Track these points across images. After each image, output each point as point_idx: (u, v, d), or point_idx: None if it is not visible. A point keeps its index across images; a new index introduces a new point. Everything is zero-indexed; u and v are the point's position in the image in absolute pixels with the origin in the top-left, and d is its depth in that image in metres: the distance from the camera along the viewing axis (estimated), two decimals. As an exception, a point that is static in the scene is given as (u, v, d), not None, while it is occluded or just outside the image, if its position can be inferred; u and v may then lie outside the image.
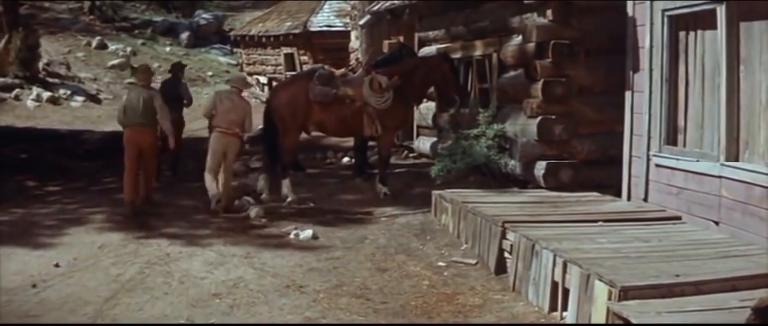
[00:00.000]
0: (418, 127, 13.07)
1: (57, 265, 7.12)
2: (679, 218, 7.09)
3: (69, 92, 22.26)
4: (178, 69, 12.61)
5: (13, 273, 6.89)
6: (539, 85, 8.87)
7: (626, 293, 4.96)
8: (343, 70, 11.10)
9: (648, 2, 7.51)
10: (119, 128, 9.96)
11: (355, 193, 10.60)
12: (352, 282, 6.72)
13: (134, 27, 31.33)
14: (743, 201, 6.18)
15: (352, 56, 18.02)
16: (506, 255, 6.87)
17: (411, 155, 13.40)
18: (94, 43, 27.54)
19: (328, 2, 23.10)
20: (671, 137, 7.34)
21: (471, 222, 7.68)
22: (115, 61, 26.32)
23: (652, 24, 7.46)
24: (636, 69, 7.82)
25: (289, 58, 23.29)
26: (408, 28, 13.65)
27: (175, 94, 11.75)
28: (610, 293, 5.04)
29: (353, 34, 18.81)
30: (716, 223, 6.57)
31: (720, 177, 6.46)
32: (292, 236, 8.21)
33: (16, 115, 19.79)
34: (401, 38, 13.56)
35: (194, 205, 9.69)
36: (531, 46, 9.04)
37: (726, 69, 6.39)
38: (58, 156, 14.54)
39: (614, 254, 5.88)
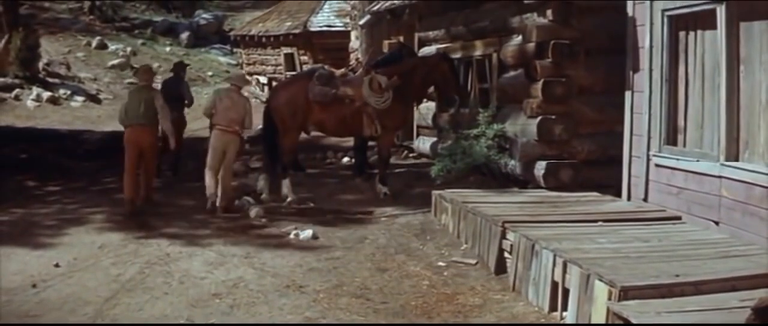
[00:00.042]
0: (418, 127, 13.07)
1: (57, 265, 7.13)
2: (679, 218, 7.09)
3: (69, 92, 22.27)
4: (180, 68, 12.62)
5: (13, 273, 6.89)
6: (539, 85, 8.87)
7: (626, 293, 4.96)
8: (343, 70, 11.10)
9: (648, 2, 7.51)
10: (119, 128, 9.97)
11: (355, 193, 10.60)
12: (352, 282, 6.72)
13: (134, 27, 31.35)
14: (743, 201, 6.18)
15: (352, 56, 18.01)
16: (506, 255, 6.87)
17: (411, 155, 13.40)
18: (94, 43, 27.56)
19: (328, 2, 23.09)
20: (671, 137, 7.34)
21: (471, 222, 7.68)
22: (115, 61, 26.33)
23: (652, 24, 7.46)
24: (636, 69, 7.82)
25: (289, 58, 23.28)
26: (408, 28, 13.65)
27: (177, 93, 11.76)
28: (610, 293, 5.04)
29: (353, 34, 18.81)
30: (716, 223, 6.57)
31: (720, 177, 6.46)
32: (292, 236, 8.21)
33: (16, 115, 19.80)
34: (401, 38, 13.56)
35: (194, 205, 9.68)
36: (531, 46, 9.04)
37: (726, 69, 6.39)
38: (58, 156, 14.54)
39: (614, 254, 5.88)
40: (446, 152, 10.38)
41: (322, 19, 22.53)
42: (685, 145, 7.18)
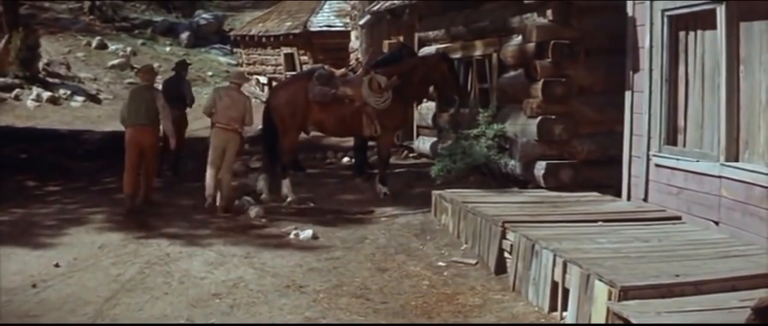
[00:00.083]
0: (418, 127, 13.07)
1: (57, 265, 7.12)
2: (679, 218, 7.09)
3: (69, 92, 22.27)
4: (181, 67, 12.62)
5: (13, 273, 6.89)
6: (539, 85, 8.87)
7: (626, 293, 4.96)
8: (343, 70, 11.10)
9: (648, 2, 7.51)
10: (120, 128, 9.97)
11: (355, 193, 10.60)
12: (352, 282, 6.72)
13: (134, 27, 31.35)
14: (743, 201, 6.18)
15: (352, 56, 18.01)
16: (506, 255, 6.87)
17: (411, 155, 13.40)
18: (94, 43, 27.57)
19: (328, 2, 23.09)
20: (671, 137, 7.34)
21: (471, 222, 7.68)
22: (115, 61, 26.34)
23: (652, 24, 7.46)
24: (636, 69, 7.82)
25: (289, 58, 23.28)
26: (408, 28, 13.65)
27: (179, 92, 11.76)
28: (610, 293, 5.04)
29: (353, 34, 18.81)
30: (716, 223, 6.57)
31: (720, 177, 6.46)
32: (292, 236, 8.21)
33: (16, 115, 19.81)
34: (401, 38, 13.57)
35: (194, 205, 9.68)
36: (531, 46, 9.04)
37: (726, 69, 6.39)
38: (58, 156, 14.54)
39: (614, 254, 5.88)
40: (446, 152, 10.38)
41: (322, 19, 22.53)
42: (685, 145, 7.18)
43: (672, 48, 7.24)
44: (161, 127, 9.83)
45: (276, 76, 23.30)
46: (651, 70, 7.51)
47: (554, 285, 5.82)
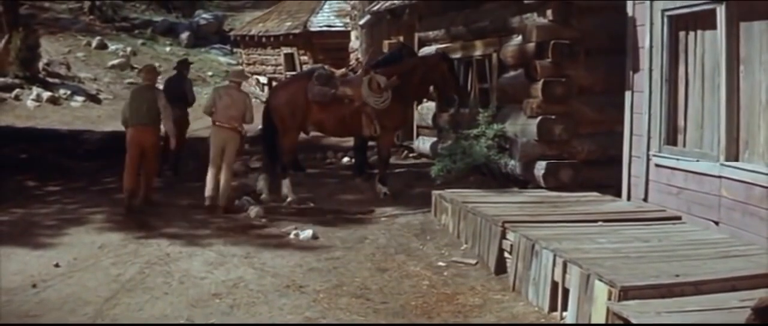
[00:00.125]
0: (418, 127, 13.07)
1: (57, 265, 7.12)
2: (679, 218, 7.09)
3: (69, 92, 22.27)
4: (183, 66, 12.62)
5: (13, 273, 6.89)
6: (539, 85, 8.87)
7: (626, 293, 4.96)
8: (343, 70, 11.10)
9: (648, 2, 7.51)
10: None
11: (355, 193, 10.60)
12: (352, 282, 6.72)
13: (134, 27, 31.36)
14: (743, 201, 6.18)
15: (352, 56, 18.01)
16: (506, 255, 6.87)
17: (411, 155, 13.40)
18: (94, 43, 27.57)
19: (328, 2, 23.07)
20: (671, 137, 7.34)
21: (471, 222, 7.68)
22: (115, 61, 26.34)
23: (652, 24, 7.46)
24: (636, 69, 7.82)
25: (289, 58, 23.27)
26: (408, 28, 13.65)
27: (180, 91, 11.76)
28: (610, 293, 5.04)
29: (353, 34, 18.81)
30: (716, 223, 6.57)
31: (720, 177, 6.46)
32: (292, 236, 8.21)
33: (16, 115, 19.80)
34: (401, 38, 13.56)
35: (194, 205, 9.68)
36: (531, 46, 9.04)
37: (726, 69, 6.39)
38: (58, 156, 14.54)
39: (614, 254, 5.88)
40: (446, 152, 10.38)
41: (322, 19, 22.52)
42: (685, 145, 7.18)
43: (672, 48, 7.24)
44: (162, 127, 9.82)
45: (276, 76, 23.30)
46: (651, 70, 7.51)
47: (554, 285, 5.82)
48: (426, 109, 12.39)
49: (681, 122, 7.23)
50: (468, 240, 7.73)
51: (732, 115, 6.38)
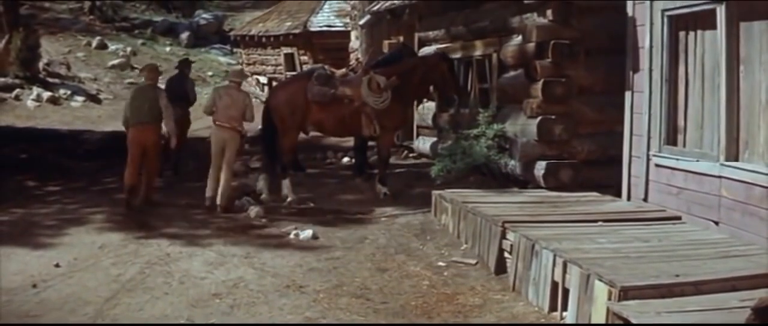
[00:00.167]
0: (418, 127, 13.07)
1: (57, 265, 7.12)
2: (679, 218, 7.09)
3: (69, 92, 22.26)
4: (185, 65, 12.62)
5: (13, 273, 6.89)
6: (539, 85, 8.87)
7: (626, 293, 4.96)
8: (343, 70, 11.09)
9: (648, 2, 7.51)
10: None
11: (355, 193, 10.61)
12: (352, 282, 6.72)
13: (134, 27, 31.35)
14: (743, 201, 6.18)
15: (352, 56, 18.01)
16: (506, 255, 6.87)
17: (411, 155, 13.40)
18: (94, 43, 27.56)
19: (328, 2, 23.08)
20: (671, 137, 7.34)
21: (471, 222, 7.68)
22: (115, 61, 26.33)
23: (652, 24, 7.46)
24: (636, 69, 7.82)
25: (289, 58, 23.28)
26: (408, 28, 13.65)
27: (182, 91, 11.76)
28: (610, 293, 5.04)
29: (353, 34, 18.81)
30: (716, 223, 6.57)
31: (720, 177, 6.46)
32: (292, 236, 8.21)
33: (16, 115, 19.80)
34: (401, 38, 13.57)
35: (194, 205, 9.68)
36: (531, 46, 9.04)
37: (726, 69, 6.39)
38: (58, 156, 14.54)
39: (614, 254, 5.88)
40: (446, 152, 10.38)
41: (322, 19, 22.53)
42: (685, 145, 7.18)
43: (672, 48, 7.25)
44: (164, 126, 9.82)
45: (276, 76, 23.30)
46: (651, 70, 7.51)
47: (554, 285, 5.82)
48: (426, 109, 12.39)
49: (681, 122, 7.23)
50: (468, 240, 7.73)
51: (732, 115, 6.38)
